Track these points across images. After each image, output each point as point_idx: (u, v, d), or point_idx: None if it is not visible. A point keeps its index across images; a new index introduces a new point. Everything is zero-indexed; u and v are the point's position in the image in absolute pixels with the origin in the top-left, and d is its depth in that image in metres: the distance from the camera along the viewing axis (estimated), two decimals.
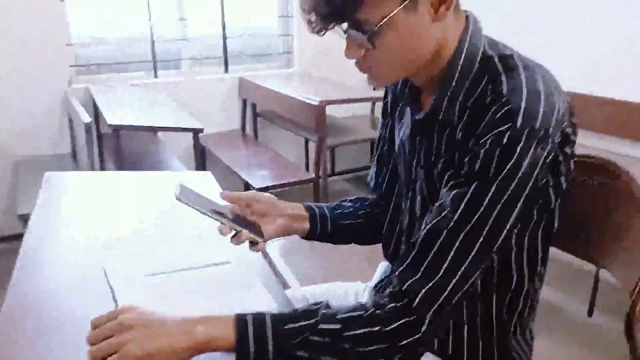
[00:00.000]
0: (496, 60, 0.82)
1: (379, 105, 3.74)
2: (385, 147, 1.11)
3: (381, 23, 0.78)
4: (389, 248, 1.09)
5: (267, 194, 1.02)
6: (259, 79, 3.45)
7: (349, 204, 1.15)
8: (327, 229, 1.08)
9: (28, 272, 0.98)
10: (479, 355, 0.95)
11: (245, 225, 0.94)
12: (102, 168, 2.91)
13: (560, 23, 2.73)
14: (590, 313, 2.21)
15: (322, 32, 0.82)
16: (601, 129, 2.47)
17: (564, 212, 0.93)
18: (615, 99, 2.46)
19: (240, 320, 0.76)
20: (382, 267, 1.21)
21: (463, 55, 0.84)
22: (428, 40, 0.83)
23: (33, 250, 1.07)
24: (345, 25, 0.81)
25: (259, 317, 0.77)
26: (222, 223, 0.92)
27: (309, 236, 1.08)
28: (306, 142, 3.80)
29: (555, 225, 0.91)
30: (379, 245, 1.52)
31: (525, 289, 0.93)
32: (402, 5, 0.77)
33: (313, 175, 2.74)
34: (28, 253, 1.04)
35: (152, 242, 1.11)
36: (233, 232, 0.93)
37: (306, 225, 1.06)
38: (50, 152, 3.13)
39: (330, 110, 2.80)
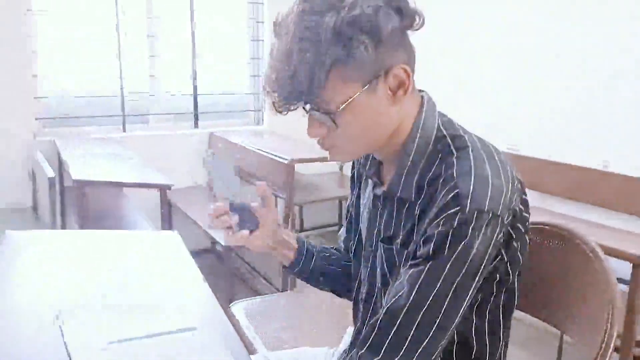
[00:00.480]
0: (449, 140, 0.87)
1: (346, 165, 3.81)
2: (352, 215, 1.13)
3: (342, 106, 0.83)
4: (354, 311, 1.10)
5: (275, 211, 1.05)
6: (229, 135, 3.48)
7: (335, 252, 1.18)
8: (308, 267, 1.11)
9: None
10: None
11: (243, 216, 0.98)
12: (64, 223, 2.84)
13: (518, 90, 2.86)
14: None
15: (286, 112, 0.87)
16: (558, 192, 2.56)
17: (528, 275, 0.96)
18: (571, 164, 2.56)
19: None
20: (350, 332, 1.20)
21: (418, 135, 0.88)
22: (387, 121, 0.87)
23: None
24: (308, 105, 0.85)
25: None
26: (222, 195, 0.96)
27: (290, 267, 1.11)
28: (275, 198, 3.80)
29: (516, 300, 0.93)
30: (348, 310, 1.51)
31: (486, 358, 0.94)
32: (363, 89, 0.82)
33: None
34: None
35: (114, 307, 1.08)
36: (221, 215, 0.97)
37: (291, 255, 1.09)
38: (11, 205, 3.05)
39: (298, 167, 2.82)
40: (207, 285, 1.24)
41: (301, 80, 0.80)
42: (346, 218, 1.16)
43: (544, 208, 2.49)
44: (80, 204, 2.29)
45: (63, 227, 2.71)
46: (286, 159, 2.73)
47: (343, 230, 1.18)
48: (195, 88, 3.64)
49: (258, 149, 3.03)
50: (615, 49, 2.41)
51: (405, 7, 0.82)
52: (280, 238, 1.07)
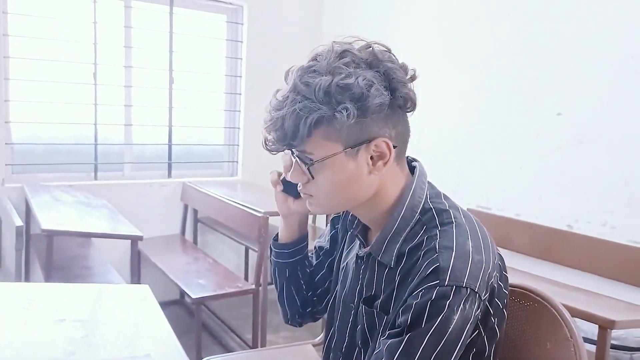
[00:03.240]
0: (434, 213, 0.91)
1: (320, 217, 3.82)
2: (333, 259, 1.15)
3: (321, 160, 0.88)
4: None
5: None
6: (203, 185, 3.47)
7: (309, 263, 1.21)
8: (294, 257, 1.15)
9: None
10: None
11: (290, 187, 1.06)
12: (29, 272, 2.76)
13: (487, 149, 2.95)
14: None
15: (274, 152, 0.92)
16: (526, 251, 2.62)
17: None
18: (538, 224, 2.63)
19: None
20: None
21: (405, 206, 0.92)
22: (362, 186, 0.91)
23: None
24: (293, 151, 0.90)
25: None
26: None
27: (283, 243, 1.14)
28: (246, 250, 3.77)
29: None
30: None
31: None
32: (343, 151, 0.87)
33: (253, 285, 2.70)
34: None
35: None
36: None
37: (295, 235, 1.14)
38: None
39: (272, 219, 2.82)
40: (177, 340, 1.22)
41: (289, 127, 0.86)
42: (314, 250, 1.20)
43: (513, 267, 2.54)
44: (47, 254, 2.23)
45: (27, 276, 2.63)
46: (260, 212, 2.73)
47: (323, 239, 1.20)
48: (170, 138, 3.65)
49: (232, 201, 3.03)
50: (580, 110, 2.52)
51: (398, 89, 0.88)
52: (305, 217, 1.12)
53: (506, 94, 2.85)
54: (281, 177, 1.07)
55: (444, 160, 3.09)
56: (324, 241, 1.20)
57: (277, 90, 0.90)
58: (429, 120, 3.16)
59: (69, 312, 1.31)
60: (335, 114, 0.84)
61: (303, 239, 1.15)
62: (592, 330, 1.99)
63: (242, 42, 3.79)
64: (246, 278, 3.69)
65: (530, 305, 1.16)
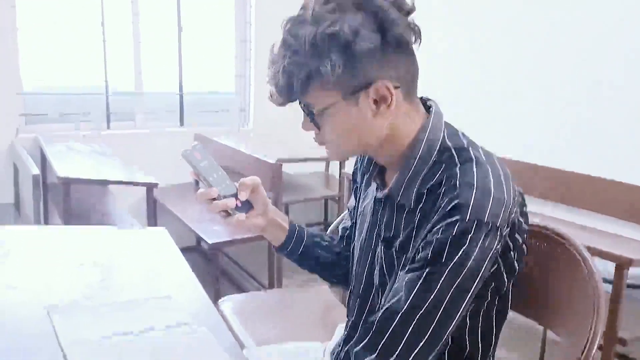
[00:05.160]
0: (453, 152, 0.88)
1: (333, 164, 3.82)
2: (354, 206, 1.14)
3: (321, 110, 0.87)
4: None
5: (263, 192, 1.04)
6: (215, 135, 3.46)
7: (328, 238, 1.19)
8: (298, 249, 1.13)
9: None
10: None
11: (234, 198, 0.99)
12: (47, 220, 2.80)
13: (508, 95, 2.90)
14: None
15: (281, 105, 0.91)
16: (544, 195, 2.60)
17: (518, 275, 0.97)
18: (559, 169, 2.61)
19: None
20: (341, 329, 1.21)
21: (422, 145, 0.90)
22: (372, 131, 0.89)
23: None
24: (300, 101, 0.89)
25: None
26: (209, 186, 0.96)
27: (280, 248, 1.13)
28: None
29: (509, 304, 0.95)
30: (336, 306, 1.51)
31: (478, 359, 0.95)
32: (343, 98, 0.85)
33: None
34: None
35: (105, 303, 1.07)
36: (210, 199, 0.96)
37: (282, 236, 1.11)
38: None
39: (284, 167, 2.82)
40: (197, 280, 1.24)
41: (283, 84, 0.85)
42: (348, 210, 1.17)
43: (531, 211, 2.53)
44: (64, 201, 2.26)
45: (46, 224, 2.68)
46: (273, 159, 2.72)
47: (347, 219, 1.19)
48: (181, 87, 3.62)
49: (245, 150, 3.03)
50: (600, 57, 2.46)
51: (390, 30, 0.84)
52: (272, 220, 1.08)
53: (524, 41, 2.77)
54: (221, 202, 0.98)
55: (464, 107, 3.04)
56: (347, 219, 1.19)
57: (273, 44, 0.88)
58: (442, 68, 3.09)
59: (88, 254, 1.33)
60: (321, 67, 0.82)
61: (292, 232, 1.12)
62: (608, 270, 2.00)
63: None
64: None
65: (548, 244, 1.16)
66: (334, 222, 1.62)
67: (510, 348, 2.50)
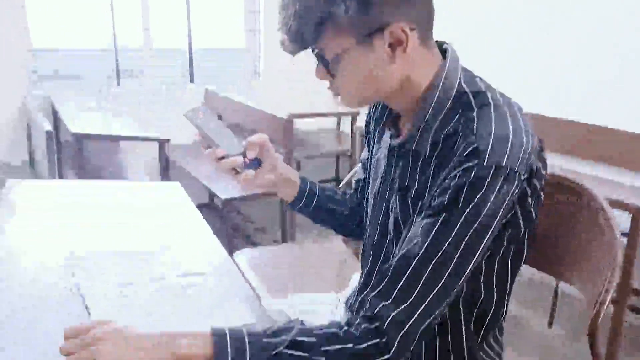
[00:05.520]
0: (470, 96, 0.86)
1: (345, 120, 3.79)
2: (367, 157, 1.13)
3: (335, 57, 0.84)
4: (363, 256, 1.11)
5: (271, 148, 1.04)
6: (225, 91, 3.44)
7: (340, 192, 1.19)
8: (310, 205, 1.13)
9: None
10: None
11: (243, 156, 0.98)
12: (62, 178, 2.83)
13: (521, 47, 2.83)
14: (550, 325, 2.28)
15: (293, 54, 0.89)
16: (560, 149, 2.57)
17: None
18: (574, 121, 2.56)
19: (218, 336, 0.75)
20: (356, 279, 1.22)
21: (438, 91, 0.88)
22: (387, 77, 0.87)
23: None
24: (313, 49, 0.86)
25: (236, 332, 0.77)
26: (216, 145, 0.96)
27: (292, 204, 1.13)
28: None
29: (525, 252, 0.94)
30: (350, 258, 1.51)
31: (492, 307, 0.96)
32: (357, 44, 0.83)
33: None
34: None
35: (122, 253, 1.09)
36: (218, 159, 0.96)
37: (294, 192, 1.11)
38: (6, 160, 3.03)
39: (296, 123, 2.81)
40: (212, 232, 1.25)
41: (295, 30, 0.83)
42: (361, 162, 1.16)
43: (548, 164, 2.51)
44: (78, 158, 2.28)
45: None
46: (285, 114, 2.70)
47: (360, 171, 1.18)
48: (190, 43, 3.57)
49: (256, 105, 3.00)
50: (617, 5, 2.38)
51: None
52: (282, 175, 1.08)
53: None
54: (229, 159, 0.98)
55: (478, 59, 2.98)
56: (360, 171, 1.18)
57: None
58: (464, 16, 3.01)
59: (104, 207, 1.34)
60: (334, 9, 0.79)
61: (303, 187, 1.12)
62: (623, 223, 1.99)
63: None
64: None
65: (565, 194, 1.15)
66: (347, 176, 1.62)
67: (520, 302, 2.53)
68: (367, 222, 1.08)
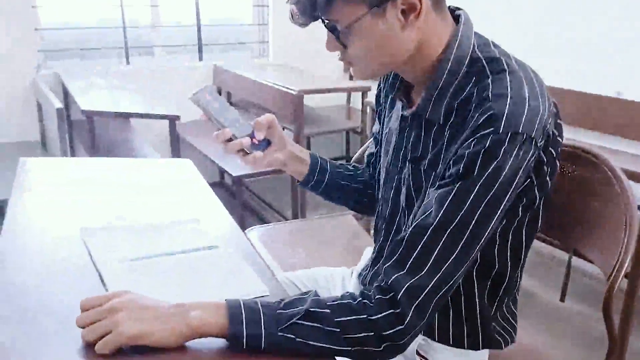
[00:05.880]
0: (484, 62, 0.84)
1: (355, 96, 3.76)
2: (379, 130, 1.12)
3: (347, 26, 0.83)
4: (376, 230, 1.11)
5: (279, 128, 1.05)
6: (234, 68, 3.42)
7: (352, 168, 1.19)
8: (322, 181, 1.13)
9: (11, 257, 0.95)
10: (465, 337, 0.97)
11: (251, 137, 0.99)
12: (74, 156, 2.84)
13: (534, 19, 2.78)
14: (562, 298, 2.27)
15: (303, 26, 0.88)
16: (572, 121, 2.53)
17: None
18: (585, 92, 2.52)
19: (232, 307, 0.76)
20: (368, 252, 1.22)
21: (451, 58, 0.86)
22: (400, 45, 0.85)
23: (13, 236, 1.03)
24: (323, 20, 0.85)
25: (250, 303, 0.77)
26: (222, 127, 0.97)
27: (304, 182, 1.13)
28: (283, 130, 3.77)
29: (540, 221, 0.93)
30: (360, 233, 1.50)
31: (506, 277, 0.95)
32: (369, 12, 0.81)
33: None
34: (8, 240, 1.01)
35: (135, 227, 1.09)
36: (228, 138, 0.97)
37: (305, 169, 1.11)
38: (18, 139, 3.04)
39: (305, 100, 2.79)
40: (224, 208, 1.25)
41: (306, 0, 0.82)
42: (380, 130, 1.15)
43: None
44: (89, 135, 2.28)
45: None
46: (295, 90, 2.68)
47: (372, 145, 1.17)
48: (198, 19, 3.54)
49: (265, 81, 2.98)
50: None
51: None
52: (291, 154, 1.08)
53: None
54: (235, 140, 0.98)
55: (490, 30, 2.93)
56: (372, 145, 1.17)
57: None
58: None
59: (117, 182, 1.34)
60: None
61: (314, 164, 1.11)
62: (637, 195, 1.96)
63: None
64: None
65: (580, 164, 1.14)
66: (359, 151, 1.61)
67: (531, 276, 2.52)
68: (380, 196, 1.07)
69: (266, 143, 1.02)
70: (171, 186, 1.38)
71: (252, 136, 0.99)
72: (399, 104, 1.00)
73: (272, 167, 1.07)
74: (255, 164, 1.02)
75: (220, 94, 3.61)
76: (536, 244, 1.04)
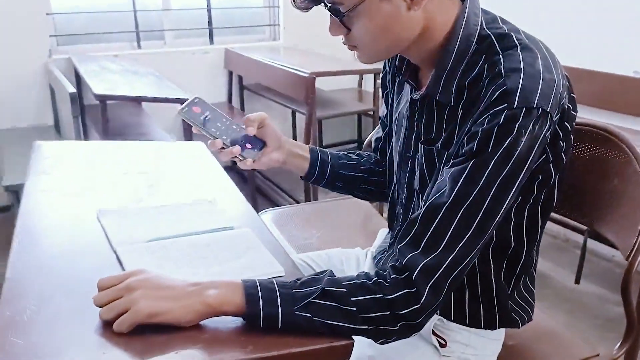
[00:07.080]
0: (493, 39, 0.83)
1: (367, 78, 3.73)
2: (387, 115, 1.11)
3: (352, 8, 0.81)
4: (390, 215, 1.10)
5: (272, 126, 1.03)
6: (245, 51, 3.40)
7: (355, 156, 1.18)
8: (325, 174, 1.12)
9: (29, 239, 0.96)
10: (481, 316, 0.97)
11: (245, 143, 0.99)
12: (87, 139, 2.86)
13: None
14: (577, 280, 2.26)
15: (305, 10, 0.86)
16: (588, 101, 2.50)
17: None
18: (602, 72, 2.48)
19: (249, 286, 0.76)
20: (383, 233, 1.21)
21: (459, 37, 0.84)
22: (406, 27, 0.83)
23: (31, 218, 1.04)
24: (326, 4, 0.84)
25: (266, 283, 0.77)
26: (214, 137, 0.96)
27: (306, 177, 1.12)
28: (293, 114, 3.76)
29: (555, 198, 0.92)
30: (374, 215, 1.49)
31: (522, 256, 0.94)
32: None
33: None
34: (26, 221, 1.02)
35: (150, 208, 1.09)
36: (219, 148, 0.97)
37: (305, 165, 1.10)
38: (32, 124, 3.06)
39: (317, 83, 2.77)
40: (238, 190, 1.25)
41: None
42: (386, 116, 1.14)
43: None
44: (102, 119, 2.29)
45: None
46: (307, 73, 2.67)
47: (379, 129, 1.16)
48: (208, 2, 3.52)
49: (277, 64, 2.97)
50: None
51: None
52: (289, 151, 1.06)
53: None
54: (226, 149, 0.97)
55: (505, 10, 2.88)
56: (379, 130, 1.15)
57: None
58: None
59: (132, 164, 1.35)
60: None
61: (314, 158, 1.10)
62: None
63: None
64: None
65: (595, 142, 1.12)
66: (368, 137, 1.60)
67: (545, 257, 2.51)
68: (394, 181, 1.06)
69: (261, 145, 1.01)
70: (185, 168, 1.38)
71: (245, 141, 0.99)
72: (407, 88, 0.98)
73: (271, 167, 1.06)
74: (253, 167, 1.01)
75: (232, 77, 3.61)
76: (550, 225, 1.03)
